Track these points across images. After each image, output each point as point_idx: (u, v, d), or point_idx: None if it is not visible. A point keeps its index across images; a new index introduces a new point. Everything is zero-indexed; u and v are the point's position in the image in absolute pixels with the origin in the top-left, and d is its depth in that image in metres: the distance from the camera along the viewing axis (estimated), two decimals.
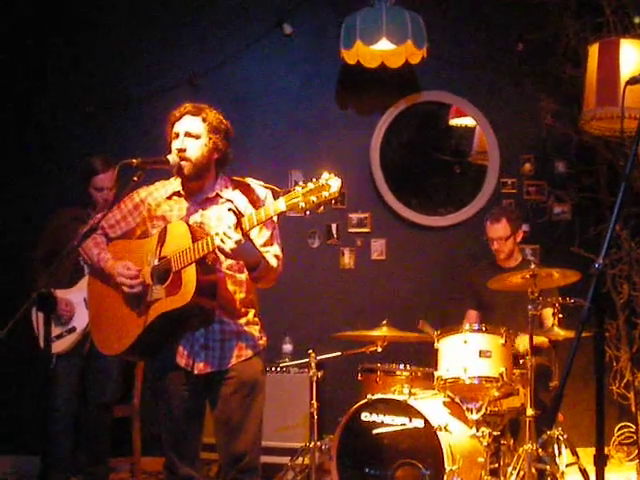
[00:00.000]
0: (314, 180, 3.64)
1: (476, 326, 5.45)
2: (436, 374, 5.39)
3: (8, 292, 6.01)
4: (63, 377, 5.51)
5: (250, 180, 4.24)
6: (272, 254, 4.08)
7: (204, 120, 4.12)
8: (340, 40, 6.66)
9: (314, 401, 5.72)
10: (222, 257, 3.96)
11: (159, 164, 4.11)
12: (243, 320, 4.14)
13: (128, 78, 6.98)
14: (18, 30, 6.86)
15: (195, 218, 4.10)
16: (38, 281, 5.30)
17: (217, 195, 4.16)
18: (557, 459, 5.34)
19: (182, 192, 4.18)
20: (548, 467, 5.23)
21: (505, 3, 7.16)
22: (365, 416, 5.34)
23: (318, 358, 5.72)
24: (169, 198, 4.18)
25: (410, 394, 5.35)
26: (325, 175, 3.63)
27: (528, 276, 5.36)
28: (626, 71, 5.94)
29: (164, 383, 4.13)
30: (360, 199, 7.10)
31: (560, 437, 5.35)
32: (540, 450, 5.21)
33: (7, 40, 6.83)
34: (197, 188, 4.16)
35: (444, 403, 5.51)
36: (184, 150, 4.05)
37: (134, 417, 6.31)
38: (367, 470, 5.29)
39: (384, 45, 6.55)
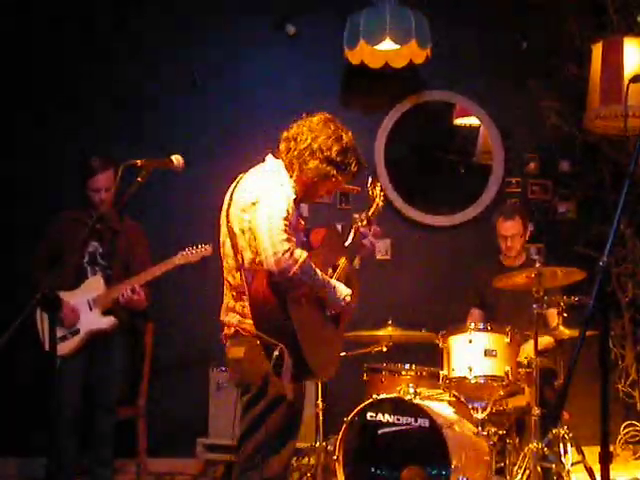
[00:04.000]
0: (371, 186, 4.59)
1: (481, 325, 5.45)
2: (441, 373, 5.39)
3: (9, 295, 6.05)
4: (67, 379, 5.50)
5: None
6: None
7: None
8: (344, 40, 6.67)
9: (319, 401, 5.73)
10: None
11: (163, 165, 4.13)
12: None
13: (131, 78, 6.97)
14: (18, 30, 6.85)
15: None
16: (41, 283, 5.29)
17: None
18: (563, 458, 5.34)
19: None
20: (554, 466, 5.23)
21: (509, 3, 7.18)
22: (370, 416, 5.33)
23: None
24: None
25: (415, 394, 5.35)
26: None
27: (533, 275, 5.36)
28: (629, 70, 5.96)
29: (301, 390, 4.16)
30: (365, 199, 7.08)
31: (566, 436, 5.35)
32: (546, 449, 5.20)
33: (7, 41, 6.82)
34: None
35: (449, 402, 5.51)
36: None
37: (139, 418, 6.31)
38: (373, 470, 5.28)
39: (388, 45, 6.56)
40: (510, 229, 6.19)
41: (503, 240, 6.23)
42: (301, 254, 3.83)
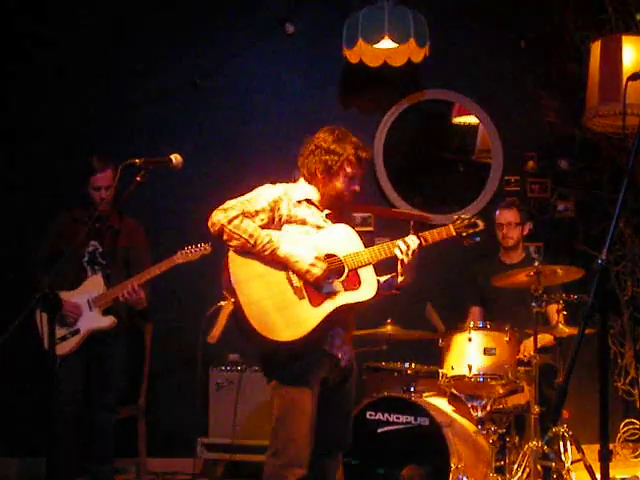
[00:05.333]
0: (464, 216, 4.38)
1: (480, 323, 5.46)
2: (441, 372, 5.39)
3: (10, 294, 6.03)
4: (67, 378, 5.51)
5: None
6: None
7: None
8: (342, 39, 6.67)
9: None
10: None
11: (162, 164, 4.14)
12: None
13: (130, 79, 6.97)
14: (15, 31, 6.85)
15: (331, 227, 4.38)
16: (41, 282, 5.29)
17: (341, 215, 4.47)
18: (563, 456, 5.33)
19: (314, 202, 4.37)
20: (554, 464, 5.23)
21: (507, 1, 7.18)
22: (370, 415, 5.35)
23: None
24: (299, 202, 4.33)
25: (415, 392, 5.35)
26: (470, 216, 4.41)
27: (532, 273, 5.36)
28: (628, 68, 5.96)
29: (318, 373, 4.22)
30: (363, 198, 7.05)
31: (565, 434, 5.34)
32: (546, 447, 5.20)
33: (5, 42, 6.82)
34: (327, 204, 4.40)
35: (449, 401, 5.52)
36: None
37: (140, 418, 6.32)
38: (373, 469, 5.29)
39: (386, 44, 6.56)
40: (507, 217, 6.25)
41: (500, 229, 6.27)
42: (234, 212, 4.13)
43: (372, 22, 6.48)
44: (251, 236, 4.10)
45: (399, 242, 4.30)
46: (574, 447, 5.36)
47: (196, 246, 5.59)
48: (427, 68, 6.99)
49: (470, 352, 5.31)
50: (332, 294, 4.18)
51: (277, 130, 7.07)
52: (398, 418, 5.27)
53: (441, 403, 5.47)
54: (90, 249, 5.66)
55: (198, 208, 6.48)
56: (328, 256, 4.21)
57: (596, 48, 6.28)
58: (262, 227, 4.22)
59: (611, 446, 6.37)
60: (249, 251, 4.12)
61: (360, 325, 5.83)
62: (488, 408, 5.29)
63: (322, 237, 4.28)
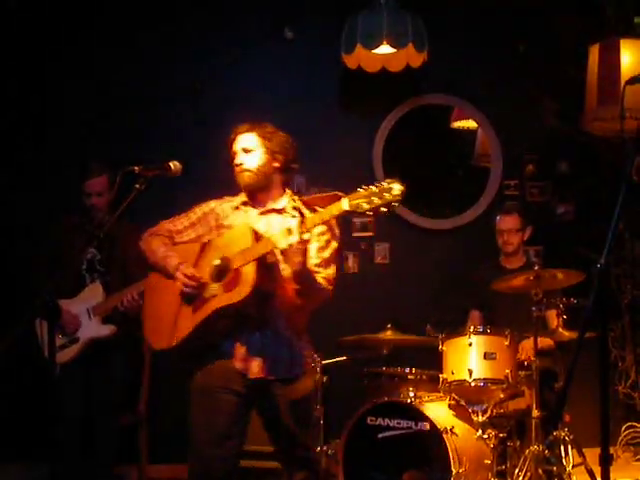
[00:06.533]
0: (377, 183, 3.71)
1: (480, 328, 5.46)
2: (441, 377, 5.39)
3: (9, 300, 6.03)
4: (68, 385, 5.50)
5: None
6: (322, 275, 4.19)
7: (257, 134, 4.27)
8: (341, 44, 6.67)
9: (319, 406, 5.71)
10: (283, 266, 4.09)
11: (161, 171, 4.13)
12: (298, 335, 4.32)
13: (129, 84, 6.97)
14: (17, 34, 6.85)
15: (259, 225, 4.19)
16: (40, 289, 5.28)
17: (284, 209, 4.27)
18: (564, 460, 5.34)
19: (249, 202, 4.32)
20: (555, 468, 5.24)
21: (506, 5, 7.17)
22: (371, 420, 5.34)
23: (323, 363, 5.70)
24: (237, 208, 4.32)
25: (415, 397, 5.35)
26: (387, 179, 3.72)
27: (532, 277, 5.36)
28: (626, 71, 5.96)
29: (214, 384, 4.21)
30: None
31: (567, 438, 5.35)
32: (547, 451, 5.21)
33: (4, 45, 6.82)
34: (263, 199, 4.31)
35: (449, 406, 5.50)
36: (241, 164, 4.24)
37: (141, 424, 6.31)
38: (373, 474, 5.28)
39: (385, 49, 6.55)
40: (508, 223, 6.24)
41: (500, 235, 6.26)
42: (149, 232, 4.41)
43: (370, 27, 6.47)
44: (159, 251, 4.30)
45: (279, 231, 3.89)
46: (575, 451, 5.37)
47: None
48: (426, 73, 6.98)
49: (470, 357, 5.31)
50: (210, 299, 4.11)
51: None
52: (399, 423, 5.26)
53: (441, 408, 5.46)
54: (88, 256, 5.65)
55: None
56: (222, 258, 4.10)
57: (594, 51, 6.28)
58: (190, 241, 4.34)
59: (612, 450, 6.40)
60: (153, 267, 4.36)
61: (360, 330, 5.86)
62: (489, 413, 5.29)
63: (221, 240, 4.22)
